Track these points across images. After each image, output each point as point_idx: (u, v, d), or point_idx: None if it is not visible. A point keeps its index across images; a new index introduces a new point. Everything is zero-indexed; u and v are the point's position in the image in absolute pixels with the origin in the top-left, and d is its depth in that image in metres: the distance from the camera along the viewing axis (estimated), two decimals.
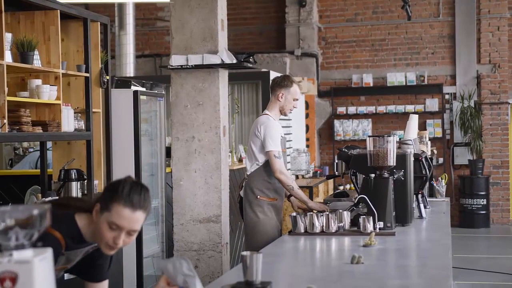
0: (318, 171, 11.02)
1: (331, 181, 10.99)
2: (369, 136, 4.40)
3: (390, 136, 4.36)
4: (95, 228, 2.55)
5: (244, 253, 2.64)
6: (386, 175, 4.33)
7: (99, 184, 5.84)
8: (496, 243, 11.04)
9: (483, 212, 11.92)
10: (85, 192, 5.63)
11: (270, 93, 5.32)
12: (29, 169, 7.44)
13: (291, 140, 10.53)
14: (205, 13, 5.74)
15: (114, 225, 2.48)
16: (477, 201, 11.88)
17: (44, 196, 5.37)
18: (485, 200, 11.90)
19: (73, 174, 5.45)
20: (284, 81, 5.22)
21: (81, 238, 2.59)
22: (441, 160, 12.23)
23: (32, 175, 6.24)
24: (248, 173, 5.19)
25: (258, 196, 5.09)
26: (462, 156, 12.23)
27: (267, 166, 5.07)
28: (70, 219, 2.59)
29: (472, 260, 9.13)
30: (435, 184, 6.24)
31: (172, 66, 5.74)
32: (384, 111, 12.40)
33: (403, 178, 4.44)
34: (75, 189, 5.48)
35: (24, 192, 5.84)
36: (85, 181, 5.59)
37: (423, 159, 5.00)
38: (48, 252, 1.82)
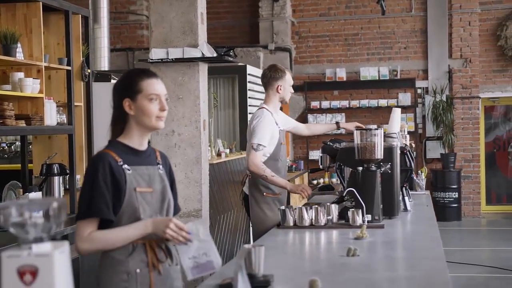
0: (294, 165, 11.06)
1: (305, 175, 11.05)
2: (356, 129, 4.41)
3: (377, 129, 4.38)
4: (136, 119, 2.80)
5: (247, 246, 2.65)
6: (373, 168, 4.35)
7: (81, 179, 5.78)
8: (468, 236, 11.18)
9: (455, 205, 12.08)
10: (67, 187, 5.56)
11: (265, 87, 5.28)
12: None
13: None
14: (184, 6, 5.72)
15: (152, 95, 2.79)
16: (449, 194, 12.02)
17: (25, 191, 5.30)
18: (456, 193, 12.06)
19: (55, 169, 5.38)
20: (278, 73, 5.23)
21: (131, 149, 2.82)
22: (414, 153, 12.33)
23: (11, 170, 6.15)
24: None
25: (265, 193, 5.07)
26: (434, 150, 12.37)
27: (270, 161, 5.03)
28: (112, 142, 2.85)
29: (445, 253, 9.21)
30: (415, 178, 6.29)
31: (152, 59, 5.69)
32: (358, 106, 12.45)
33: (390, 171, 4.46)
34: (57, 184, 5.41)
35: (2, 187, 5.74)
36: (67, 175, 5.53)
37: (408, 152, 5.04)
38: (65, 246, 1.80)
